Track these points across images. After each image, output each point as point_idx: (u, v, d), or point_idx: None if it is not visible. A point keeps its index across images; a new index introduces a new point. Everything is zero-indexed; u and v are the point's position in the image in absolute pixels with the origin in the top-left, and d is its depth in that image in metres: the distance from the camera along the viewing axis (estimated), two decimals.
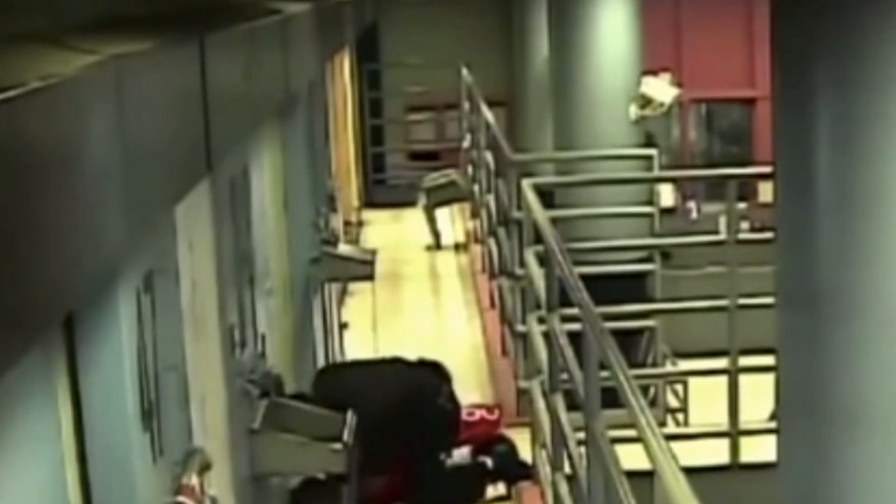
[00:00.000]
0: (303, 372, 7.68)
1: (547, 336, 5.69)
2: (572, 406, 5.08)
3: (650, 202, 9.79)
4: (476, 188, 12.79)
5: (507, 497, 7.59)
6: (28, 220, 2.29)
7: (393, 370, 7.69)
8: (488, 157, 11.03)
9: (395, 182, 18.47)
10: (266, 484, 5.81)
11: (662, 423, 10.21)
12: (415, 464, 7.36)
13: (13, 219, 2.20)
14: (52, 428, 3.02)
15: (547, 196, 8.37)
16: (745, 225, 14.66)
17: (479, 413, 7.96)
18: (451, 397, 7.56)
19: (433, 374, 7.56)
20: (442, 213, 15.19)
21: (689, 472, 3.18)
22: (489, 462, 7.62)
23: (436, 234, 14.87)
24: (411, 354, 7.98)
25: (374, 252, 9.83)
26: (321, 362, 8.93)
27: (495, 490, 7.67)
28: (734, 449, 7.39)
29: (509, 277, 8.95)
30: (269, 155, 7.04)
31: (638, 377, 4.48)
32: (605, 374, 4.14)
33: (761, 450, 6.63)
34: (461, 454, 7.66)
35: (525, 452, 7.44)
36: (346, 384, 7.31)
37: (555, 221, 6.04)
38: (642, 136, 11.38)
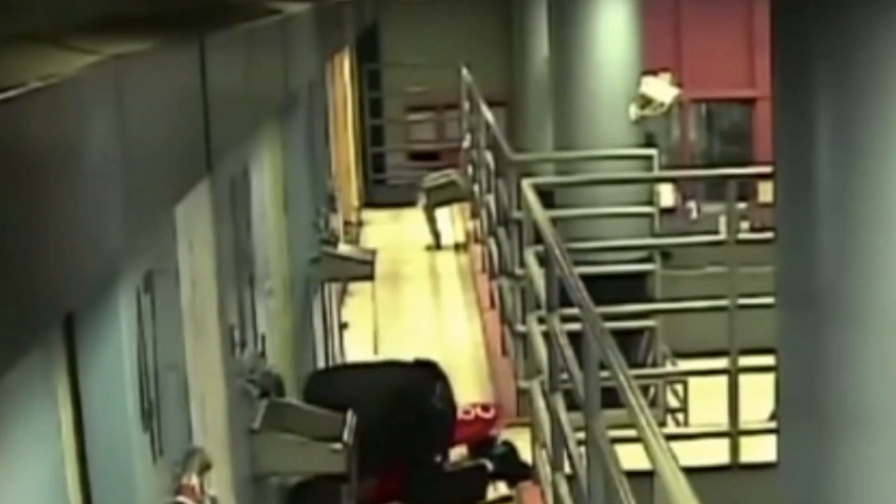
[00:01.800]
0: (303, 372, 7.68)
1: (547, 336, 5.69)
2: (572, 406, 5.08)
3: (650, 202, 9.79)
4: (476, 188, 12.79)
5: (510, 498, 7.59)
6: (28, 220, 2.29)
7: (385, 372, 7.69)
8: (488, 157, 11.03)
9: (395, 182, 18.46)
10: (266, 484, 5.81)
11: (662, 423, 10.20)
12: (409, 466, 7.35)
13: (13, 219, 2.20)
14: (52, 428, 3.02)
15: (547, 196, 8.36)
16: (745, 225, 14.66)
17: (474, 412, 7.95)
18: (446, 397, 7.53)
19: (427, 374, 7.55)
20: (442, 213, 15.18)
21: (689, 472, 3.18)
22: (489, 464, 7.62)
23: (436, 234, 14.86)
24: (411, 355, 7.99)
25: (373, 252, 9.83)
26: (321, 362, 8.93)
27: (496, 491, 7.67)
28: (734, 449, 7.39)
29: (509, 277, 8.95)
30: (269, 155, 7.04)
31: (638, 377, 4.48)
32: (605, 374, 4.14)
33: (761, 450, 6.63)
34: (457, 454, 7.66)
35: (525, 452, 7.44)
36: (337, 387, 7.30)
37: (555, 221, 6.04)
38: (642, 136, 11.38)
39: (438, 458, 7.45)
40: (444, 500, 7.47)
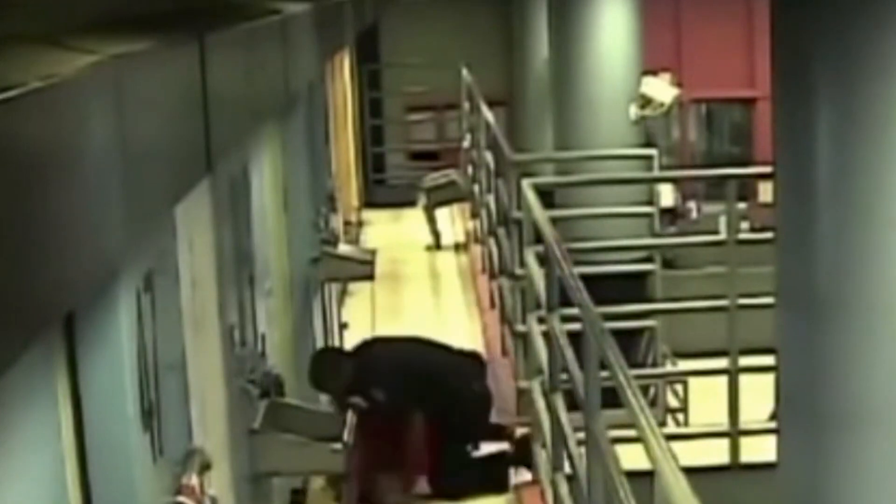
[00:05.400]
0: (303, 372, 7.68)
1: (547, 336, 5.69)
2: (572, 406, 5.08)
3: (650, 202, 9.79)
4: (476, 188, 12.79)
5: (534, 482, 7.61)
6: (28, 220, 2.29)
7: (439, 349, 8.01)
8: (488, 157, 11.03)
9: (395, 182, 18.45)
10: (266, 484, 5.81)
11: (662, 423, 10.20)
12: (444, 441, 7.52)
13: (13, 218, 2.20)
14: (52, 428, 3.02)
15: (547, 196, 8.36)
16: (745, 225, 14.65)
17: None
18: (486, 388, 7.92)
19: (473, 362, 7.96)
20: (442, 213, 15.17)
21: (689, 472, 3.18)
22: (509, 449, 7.72)
23: (436, 234, 14.85)
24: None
25: (373, 252, 9.82)
26: None
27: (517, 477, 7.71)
28: (734, 449, 7.38)
29: (509, 277, 8.95)
30: (269, 155, 7.04)
31: (638, 377, 4.48)
32: (605, 374, 4.14)
33: (761, 450, 6.62)
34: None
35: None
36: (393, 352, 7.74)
37: (555, 221, 6.03)
38: (643, 136, 11.38)
39: (471, 443, 7.62)
40: (471, 487, 7.57)
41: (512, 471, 7.69)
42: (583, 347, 4.46)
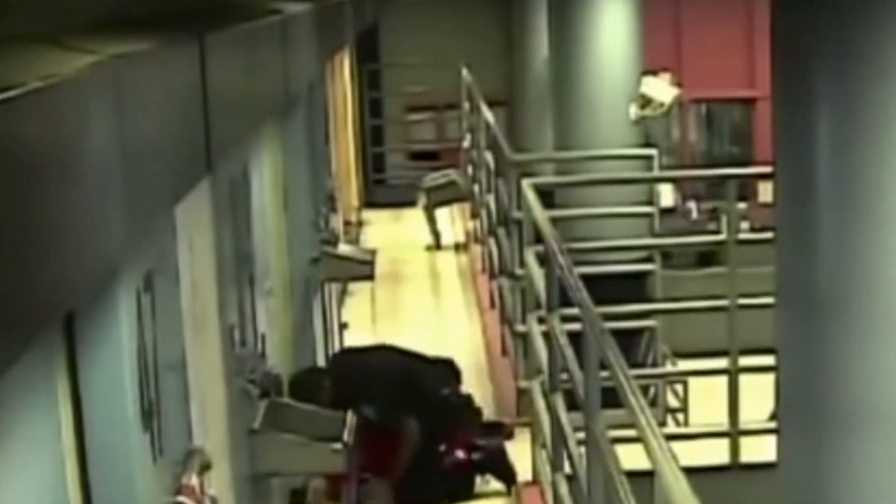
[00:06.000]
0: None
1: (547, 336, 5.69)
2: (572, 406, 5.08)
3: (650, 202, 9.79)
4: (476, 188, 12.79)
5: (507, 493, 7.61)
6: (28, 220, 2.29)
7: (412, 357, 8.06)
8: (488, 157, 11.03)
9: (395, 182, 18.45)
10: (266, 484, 5.81)
11: (662, 423, 10.20)
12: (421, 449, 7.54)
13: (13, 218, 2.20)
14: (52, 428, 3.02)
15: (547, 196, 8.37)
16: (745, 225, 14.65)
17: None
18: (457, 394, 7.92)
19: (446, 370, 8.00)
20: (442, 213, 15.18)
21: (689, 472, 3.18)
22: (476, 457, 7.72)
23: (436, 234, 14.86)
24: None
25: (373, 252, 9.83)
26: (321, 362, 8.94)
27: (485, 484, 7.72)
28: (734, 449, 7.39)
29: (509, 277, 8.95)
30: (269, 155, 7.04)
31: (638, 377, 4.47)
32: (605, 374, 4.14)
33: (761, 450, 6.62)
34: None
35: (524, 453, 7.44)
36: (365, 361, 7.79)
37: (555, 221, 6.03)
38: (643, 136, 11.38)
39: (442, 447, 7.61)
40: (437, 494, 7.58)
41: (479, 479, 7.72)
42: (583, 347, 4.46)
